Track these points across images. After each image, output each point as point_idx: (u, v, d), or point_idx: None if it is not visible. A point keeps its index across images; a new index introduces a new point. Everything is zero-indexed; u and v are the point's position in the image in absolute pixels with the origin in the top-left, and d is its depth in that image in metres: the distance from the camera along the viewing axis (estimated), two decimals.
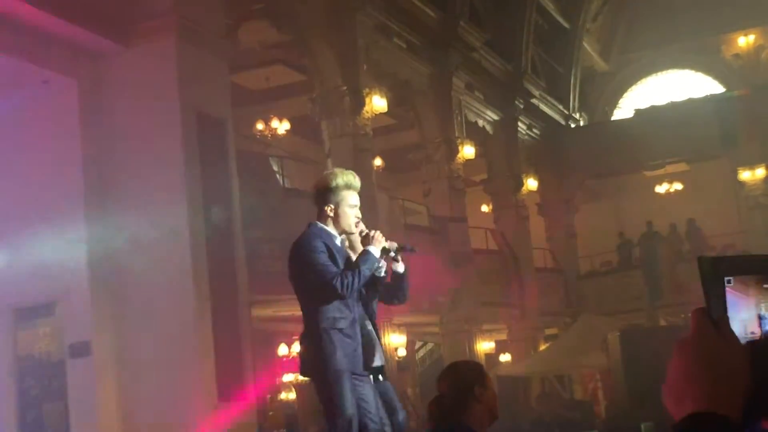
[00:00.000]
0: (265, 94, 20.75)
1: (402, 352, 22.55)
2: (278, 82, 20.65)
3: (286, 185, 19.00)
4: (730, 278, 1.32)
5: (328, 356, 5.44)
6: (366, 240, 5.66)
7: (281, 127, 20.33)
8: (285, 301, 15.49)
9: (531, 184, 26.34)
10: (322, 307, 5.50)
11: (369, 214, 18.02)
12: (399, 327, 20.39)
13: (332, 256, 5.52)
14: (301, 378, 22.06)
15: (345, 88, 17.99)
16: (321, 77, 18.25)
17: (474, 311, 21.45)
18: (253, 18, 16.56)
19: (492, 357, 25.14)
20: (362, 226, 5.77)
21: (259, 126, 20.14)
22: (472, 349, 21.33)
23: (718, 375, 1.27)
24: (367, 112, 18.31)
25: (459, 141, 22.02)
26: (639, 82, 33.38)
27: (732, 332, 1.30)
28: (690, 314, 1.33)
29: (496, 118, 24.91)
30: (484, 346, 23.28)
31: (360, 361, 5.58)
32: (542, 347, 24.07)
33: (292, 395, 22.07)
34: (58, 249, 13.18)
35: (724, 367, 1.27)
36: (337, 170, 5.85)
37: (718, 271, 1.33)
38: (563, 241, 27.65)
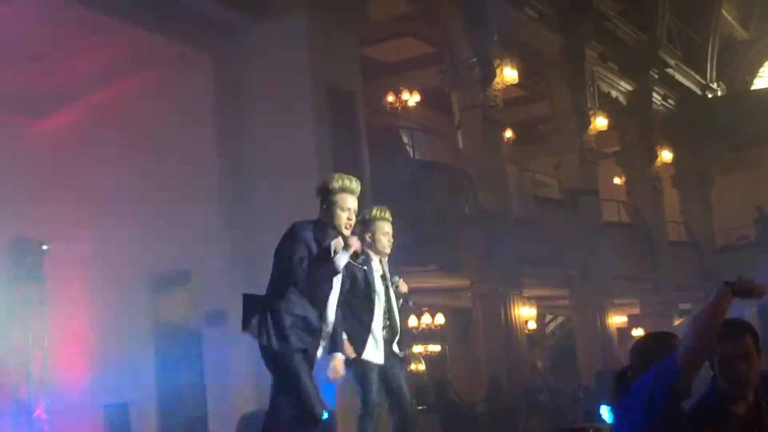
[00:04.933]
0: (396, 66, 20.78)
1: (532, 325, 22.41)
2: (408, 54, 20.63)
3: (416, 157, 19.03)
4: None
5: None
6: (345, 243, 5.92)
7: (412, 99, 20.33)
8: (413, 273, 15.56)
9: (665, 156, 25.76)
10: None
11: (499, 186, 17.99)
12: (529, 300, 20.27)
13: (312, 252, 5.80)
14: (430, 349, 22.26)
15: (475, 59, 17.89)
16: (451, 49, 18.19)
17: (605, 285, 21.16)
18: None
19: (624, 331, 24.78)
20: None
21: (390, 98, 20.19)
22: (603, 323, 21.08)
23: None
24: (498, 84, 18.18)
25: (591, 112, 21.68)
26: None
27: None
28: None
29: (629, 88, 24.42)
30: (616, 320, 22.96)
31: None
32: (676, 322, 23.59)
33: (421, 366, 22.20)
34: (195, 219, 13.52)
35: None
36: (337, 174, 6.17)
37: None
38: (698, 215, 27.02)
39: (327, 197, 6.01)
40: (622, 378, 4.18)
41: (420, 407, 16.30)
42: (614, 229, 22.73)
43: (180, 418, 14.32)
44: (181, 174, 13.60)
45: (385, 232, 6.94)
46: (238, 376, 13.50)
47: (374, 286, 6.82)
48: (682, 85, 27.24)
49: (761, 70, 32.24)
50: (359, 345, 6.71)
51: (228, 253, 13.73)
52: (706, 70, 28.68)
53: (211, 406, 13.71)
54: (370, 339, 6.77)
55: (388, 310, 6.93)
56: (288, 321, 5.78)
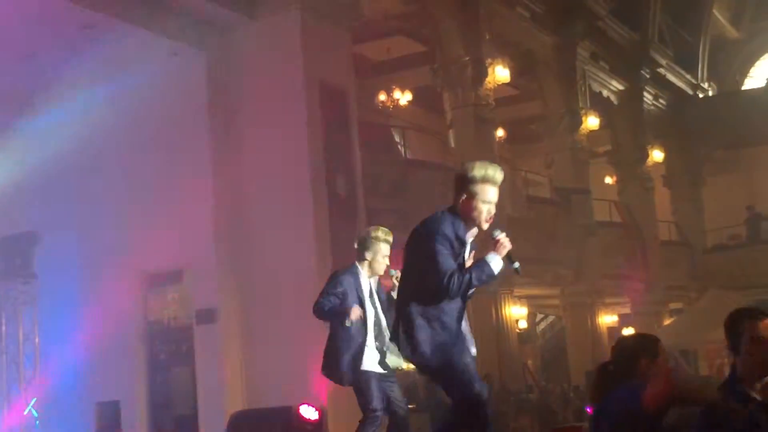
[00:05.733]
0: (388, 64, 20.79)
1: (523, 325, 22.43)
2: (400, 53, 20.64)
3: (408, 156, 19.03)
4: None
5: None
6: (491, 244, 5.44)
7: (403, 97, 20.34)
8: None
9: (657, 155, 25.80)
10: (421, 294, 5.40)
11: None
12: (520, 299, 20.29)
13: (455, 249, 5.28)
14: None
15: (467, 58, 17.91)
16: (443, 48, 18.20)
17: (596, 284, 21.19)
18: None
19: (615, 330, 24.81)
20: (499, 233, 5.52)
21: (382, 97, 20.19)
22: (594, 323, 21.10)
23: None
24: (490, 83, 18.19)
25: (583, 112, 21.70)
26: None
27: None
28: None
29: (621, 88, 24.46)
30: (607, 319, 22.98)
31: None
32: (667, 322, 23.63)
33: (412, 365, 22.11)
34: (186, 219, 13.51)
35: None
36: (479, 162, 5.52)
37: None
38: (690, 214, 27.04)
39: (467, 187, 5.33)
40: (604, 372, 4.23)
41: (410, 406, 16.29)
42: (605, 228, 22.75)
43: (170, 416, 14.32)
44: (174, 172, 13.59)
45: (384, 254, 7.07)
46: (229, 374, 13.52)
47: (365, 304, 7.01)
48: (673, 84, 27.29)
49: (752, 69, 32.31)
50: (357, 358, 6.91)
51: (220, 253, 13.73)
52: (698, 69, 28.72)
53: (201, 404, 13.71)
54: (366, 350, 6.94)
55: (377, 324, 7.07)
56: (439, 327, 5.52)
